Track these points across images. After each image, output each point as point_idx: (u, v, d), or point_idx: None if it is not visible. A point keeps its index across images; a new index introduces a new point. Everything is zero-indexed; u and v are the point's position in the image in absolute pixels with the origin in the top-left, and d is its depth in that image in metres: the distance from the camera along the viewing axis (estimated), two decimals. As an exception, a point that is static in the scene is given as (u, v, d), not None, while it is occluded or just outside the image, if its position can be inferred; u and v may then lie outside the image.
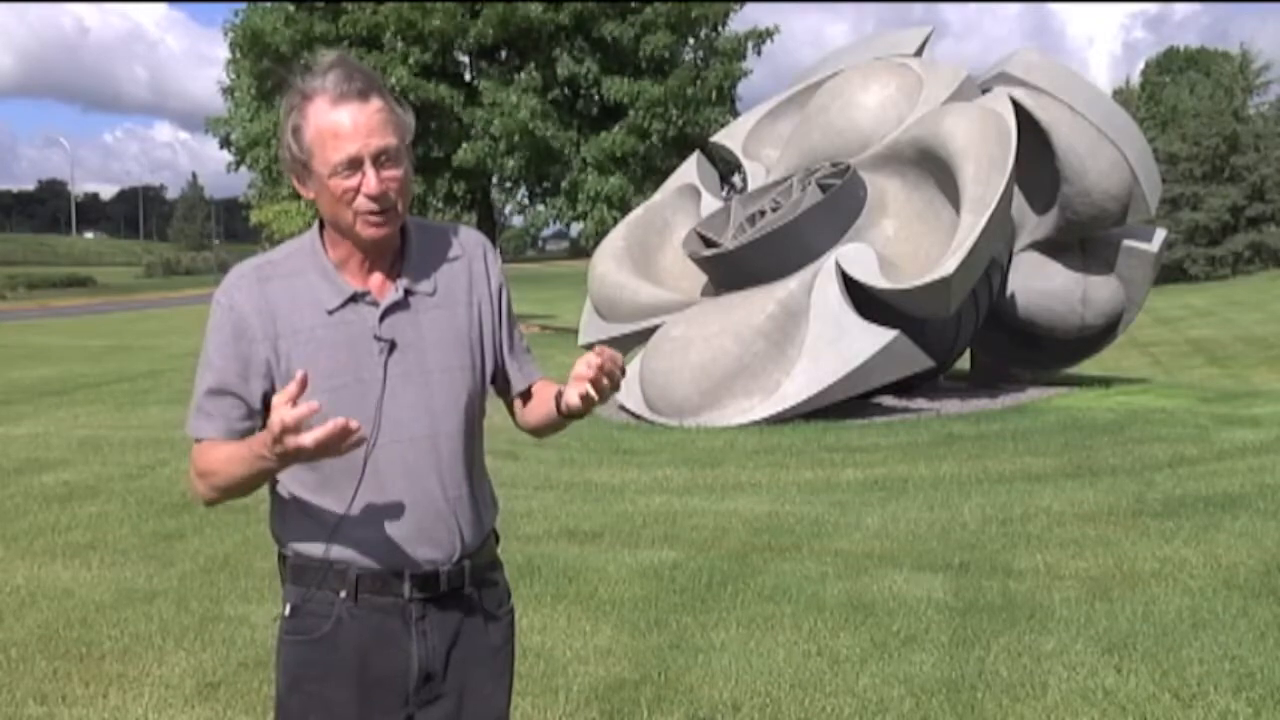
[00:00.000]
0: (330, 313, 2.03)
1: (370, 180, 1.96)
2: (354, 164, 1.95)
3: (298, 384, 1.78)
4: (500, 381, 2.23)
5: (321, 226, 2.08)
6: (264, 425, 2.06)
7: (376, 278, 2.06)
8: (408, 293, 2.06)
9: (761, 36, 27.99)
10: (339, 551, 2.04)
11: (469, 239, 2.19)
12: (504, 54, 26.73)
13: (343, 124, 1.95)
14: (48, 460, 9.34)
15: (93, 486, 8.21)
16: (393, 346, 2.03)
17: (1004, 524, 6.51)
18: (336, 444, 1.79)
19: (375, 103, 1.97)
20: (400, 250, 2.08)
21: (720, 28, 27.92)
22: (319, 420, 1.94)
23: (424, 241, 2.12)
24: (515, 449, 9.32)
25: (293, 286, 2.04)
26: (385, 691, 2.07)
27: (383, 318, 2.04)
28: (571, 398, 2.04)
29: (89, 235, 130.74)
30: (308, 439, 1.77)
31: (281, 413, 1.77)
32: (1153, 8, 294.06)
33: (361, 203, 1.97)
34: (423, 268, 2.09)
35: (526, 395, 2.25)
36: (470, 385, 2.11)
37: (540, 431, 2.25)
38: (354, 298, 2.04)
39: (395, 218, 2.01)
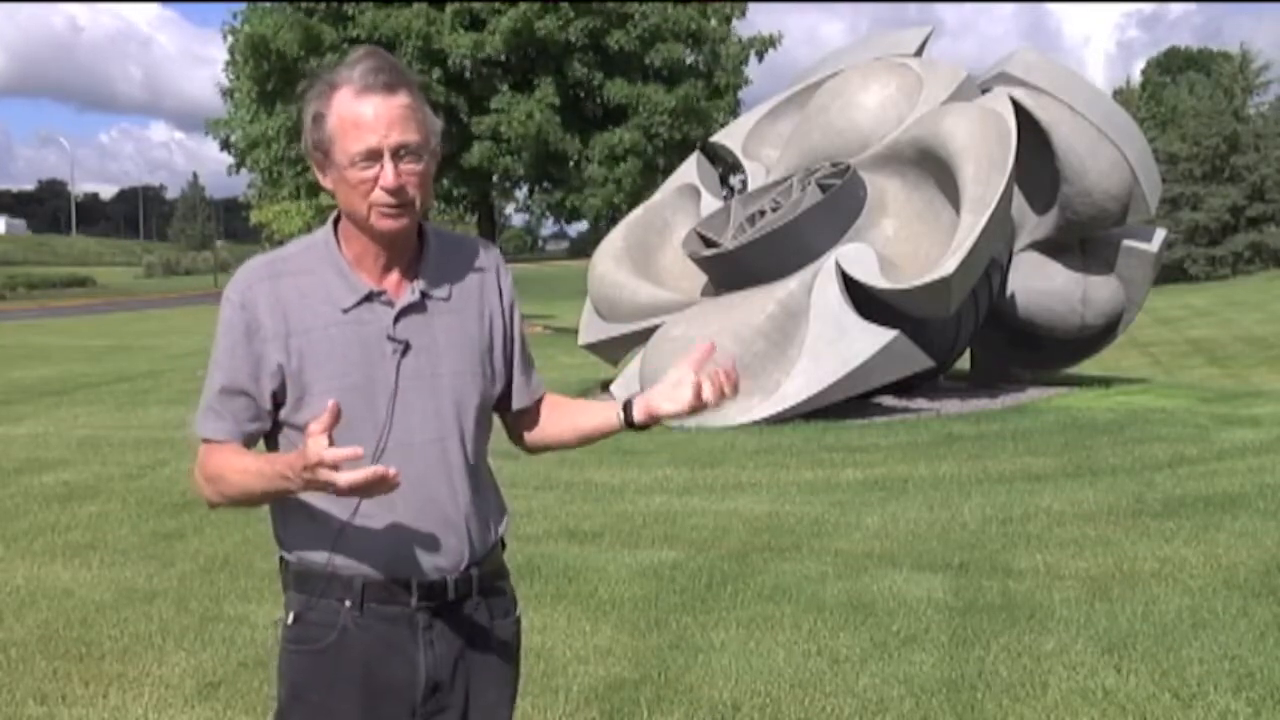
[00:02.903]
0: (345, 311, 1.99)
1: (388, 173, 1.92)
2: (373, 156, 1.92)
3: (331, 415, 1.76)
4: (503, 399, 2.19)
5: (336, 223, 2.05)
6: (273, 426, 2.04)
7: (392, 277, 2.03)
8: (424, 295, 2.03)
9: (765, 44, 28.10)
10: (344, 558, 2.00)
11: (483, 251, 2.16)
12: (508, 58, 26.78)
13: (364, 115, 1.92)
14: (48, 460, 9.34)
15: (93, 486, 8.21)
16: (406, 348, 2.00)
17: (1004, 524, 6.51)
18: (371, 490, 1.77)
19: (401, 98, 1.94)
20: (417, 252, 2.06)
21: (724, 40, 28.05)
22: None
23: (441, 247, 2.09)
24: (515, 449, 9.32)
25: (305, 284, 2.00)
26: (391, 702, 2.03)
27: (398, 319, 2.00)
28: (662, 406, 2.04)
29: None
30: (342, 480, 1.74)
31: (320, 447, 1.74)
32: (1147, 7, 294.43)
33: (378, 195, 1.94)
34: (439, 272, 2.06)
35: (532, 414, 2.24)
36: (480, 391, 2.08)
37: (550, 447, 2.25)
38: (369, 296, 2.00)
39: (411, 213, 1.98)
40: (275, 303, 1.99)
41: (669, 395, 2.06)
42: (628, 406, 2.11)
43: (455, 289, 2.07)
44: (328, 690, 2.02)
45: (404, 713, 2.04)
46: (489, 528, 2.11)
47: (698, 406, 2.03)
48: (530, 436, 2.26)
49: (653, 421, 2.09)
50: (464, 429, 2.05)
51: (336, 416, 1.76)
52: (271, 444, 2.06)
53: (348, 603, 2.01)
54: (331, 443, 1.77)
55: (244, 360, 1.99)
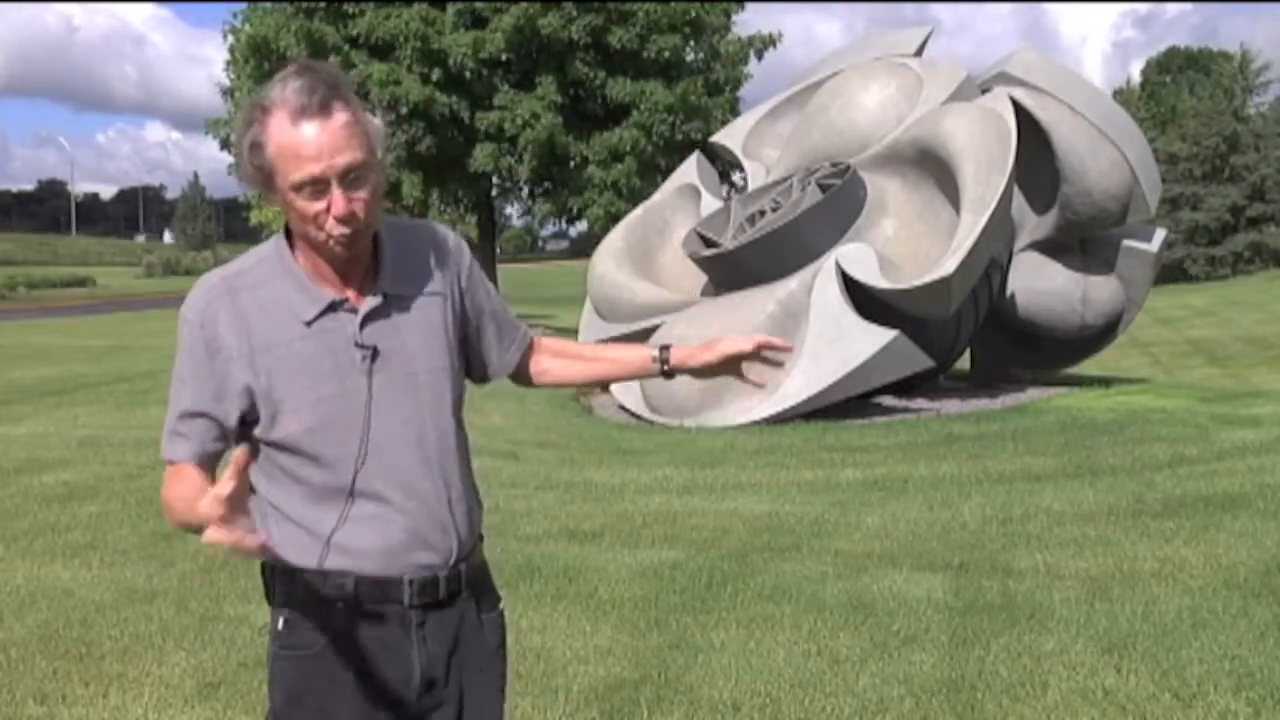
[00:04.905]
0: (308, 323, 1.95)
1: (338, 203, 1.86)
2: (319, 184, 1.86)
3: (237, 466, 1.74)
4: (480, 365, 2.22)
5: (289, 232, 2.00)
6: (252, 442, 2.02)
7: (353, 284, 1.99)
8: (386, 297, 2.00)
9: (765, 43, 28.15)
10: (335, 563, 1.99)
11: (435, 232, 2.14)
12: (509, 59, 26.79)
13: (305, 142, 1.84)
14: (48, 460, 9.33)
15: (93, 486, 8.20)
16: (375, 353, 1.98)
17: (1004, 524, 6.51)
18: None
19: (339, 116, 1.86)
20: (374, 253, 2.02)
21: (724, 33, 28.08)
22: (306, 442, 1.95)
23: (396, 242, 2.05)
24: (515, 449, 9.32)
25: (265, 297, 1.96)
26: (387, 701, 2.03)
27: (363, 325, 1.98)
28: (715, 353, 2.20)
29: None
30: (212, 535, 1.70)
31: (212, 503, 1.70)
32: (1144, 7, 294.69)
33: (330, 224, 1.88)
34: (398, 269, 2.03)
35: (524, 369, 2.30)
36: (454, 384, 2.08)
37: (563, 384, 2.36)
38: (332, 306, 1.96)
39: (365, 233, 1.94)
40: (236, 320, 1.95)
41: (707, 349, 2.22)
42: (665, 355, 2.25)
43: (417, 284, 2.05)
44: (324, 694, 2.01)
45: (400, 711, 2.05)
46: (472, 521, 2.12)
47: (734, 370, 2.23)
48: (535, 379, 2.32)
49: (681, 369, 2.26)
50: (443, 425, 2.05)
51: (241, 469, 1.73)
52: (253, 454, 2.03)
53: (340, 605, 2.00)
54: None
55: (207, 380, 1.96)
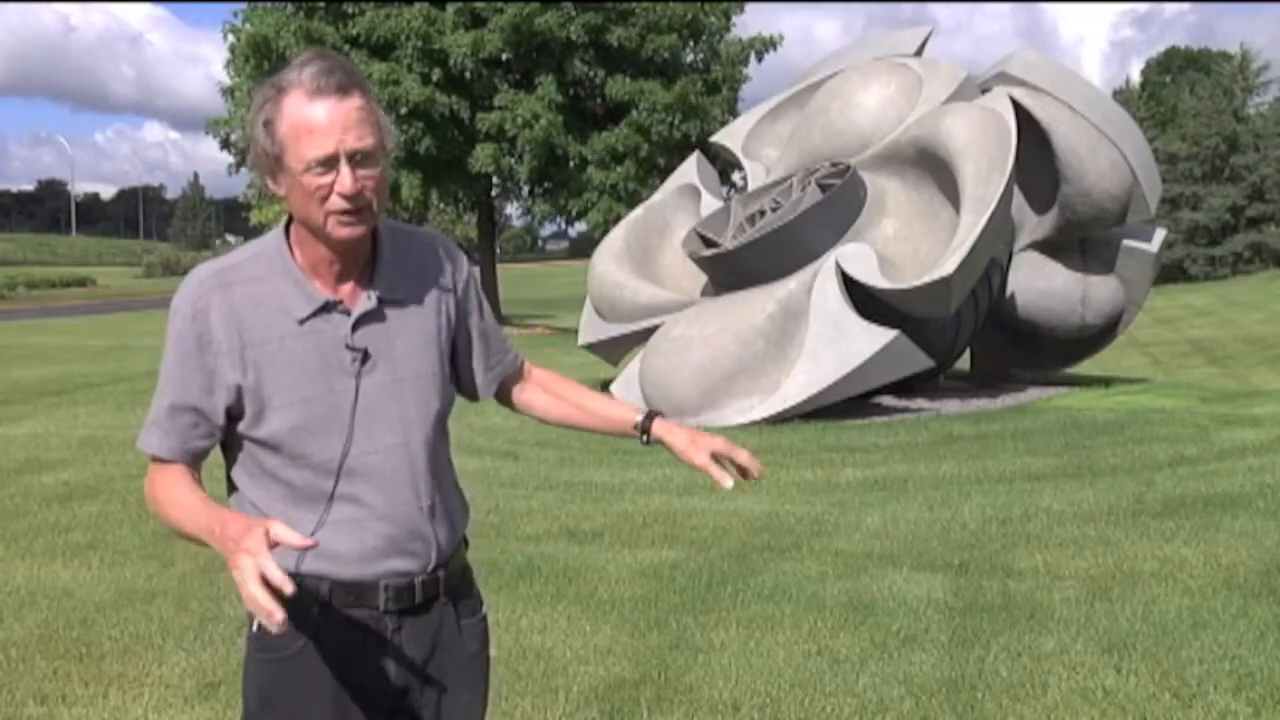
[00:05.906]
0: (301, 322, 1.94)
1: (345, 179, 1.85)
2: (329, 161, 1.85)
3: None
4: (466, 382, 2.20)
5: (287, 229, 1.98)
6: (225, 441, 2.00)
7: (348, 284, 1.98)
8: (381, 301, 1.99)
9: (765, 44, 28.19)
10: (311, 565, 1.97)
11: (436, 241, 2.13)
12: (508, 58, 26.81)
13: (318, 119, 1.84)
14: (48, 460, 9.34)
15: (93, 486, 8.20)
16: (365, 356, 1.97)
17: (1004, 524, 6.51)
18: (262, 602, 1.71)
19: (354, 99, 1.87)
20: (372, 255, 2.01)
21: (724, 34, 28.13)
22: (290, 441, 1.94)
23: (394, 246, 2.04)
24: (515, 449, 9.32)
25: (258, 293, 1.94)
26: (361, 706, 2.02)
27: (355, 327, 1.96)
28: (693, 456, 2.18)
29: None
30: (253, 584, 1.73)
31: (269, 540, 1.72)
32: (1142, 7, 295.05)
33: (335, 201, 1.87)
34: (394, 274, 2.02)
35: (507, 391, 2.27)
36: (441, 391, 2.06)
37: (540, 418, 2.30)
38: (325, 306, 1.95)
39: (369, 218, 1.93)
40: (229, 314, 1.93)
41: (692, 445, 2.18)
42: (648, 424, 2.20)
43: (412, 290, 2.04)
44: (297, 697, 2.00)
45: (375, 717, 2.03)
46: (454, 528, 2.10)
47: (703, 467, 2.20)
48: (518, 407, 2.30)
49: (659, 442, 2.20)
50: (427, 432, 2.03)
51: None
52: (231, 453, 2.03)
53: (315, 609, 1.99)
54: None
55: (195, 374, 1.94)
